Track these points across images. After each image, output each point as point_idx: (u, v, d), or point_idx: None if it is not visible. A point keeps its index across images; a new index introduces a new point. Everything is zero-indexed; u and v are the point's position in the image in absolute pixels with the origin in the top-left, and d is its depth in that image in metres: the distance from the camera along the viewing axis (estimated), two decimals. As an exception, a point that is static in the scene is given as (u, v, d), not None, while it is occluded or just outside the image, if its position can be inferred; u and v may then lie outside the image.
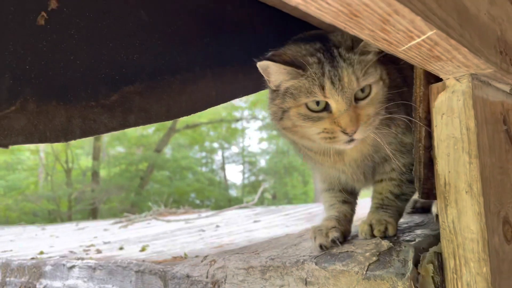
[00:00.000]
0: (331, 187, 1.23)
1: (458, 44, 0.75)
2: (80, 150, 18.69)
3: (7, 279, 2.14)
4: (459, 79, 0.89)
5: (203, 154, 28.47)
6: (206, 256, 1.32)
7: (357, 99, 0.91)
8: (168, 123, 18.14)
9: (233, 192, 27.34)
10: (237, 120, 22.39)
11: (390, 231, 1.03)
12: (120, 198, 16.01)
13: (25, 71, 0.96)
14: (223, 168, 29.92)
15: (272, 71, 0.93)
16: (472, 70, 0.87)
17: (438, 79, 0.93)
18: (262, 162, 29.14)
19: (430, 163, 0.95)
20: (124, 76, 1.16)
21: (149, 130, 20.06)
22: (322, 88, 0.87)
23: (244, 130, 27.09)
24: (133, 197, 15.92)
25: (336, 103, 0.87)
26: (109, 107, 1.12)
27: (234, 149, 29.64)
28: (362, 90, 0.91)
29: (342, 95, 0.87)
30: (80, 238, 3.60)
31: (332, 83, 0.87)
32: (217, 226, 3.34)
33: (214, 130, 23.05)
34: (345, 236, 1.11)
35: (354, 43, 0.93)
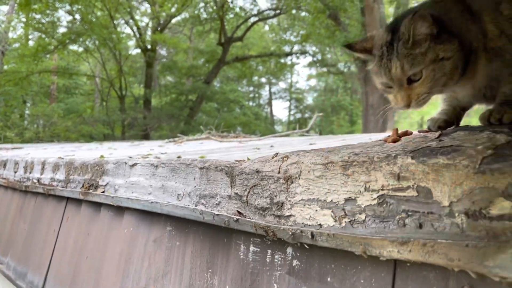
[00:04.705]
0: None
1: None
2: (133, 78, 19.07)
3: (71, 176, 2.20)
4: None
5: (251, 88, 28.22)
6: (277, 153, 1.21)
7: (411, 82, 1.08)
8: (218, 55, 17.92)
9: (279, 128, 27.28)
10: (287, 54, 21.61)
11: (506, 118, 0.99)
12: (170, 127, 16.47)
13: None
14: (269, 104, 29.67)
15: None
16: None
17: None
18: (309, 100, 28.52)
19: None
20: None
21: (199, 61, 19.97)
22: (381, 74, 1.12)
23: (293, 66, 26.28)
24: (183, 126, 16.32)
25: (392, 85, 1.12)
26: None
27: (282, 85, 29.06)
28: (415, 74, 1.07)
29: (393, 80, 1.10)
30: (137, 151, 3.69)
31: (385, 72, 1.10)
32: (272, 146, 3.27)
33: (263, 64, 22.54)
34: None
35: (411, 34, 1.04)
